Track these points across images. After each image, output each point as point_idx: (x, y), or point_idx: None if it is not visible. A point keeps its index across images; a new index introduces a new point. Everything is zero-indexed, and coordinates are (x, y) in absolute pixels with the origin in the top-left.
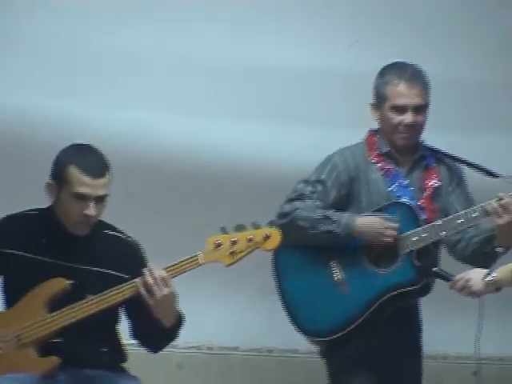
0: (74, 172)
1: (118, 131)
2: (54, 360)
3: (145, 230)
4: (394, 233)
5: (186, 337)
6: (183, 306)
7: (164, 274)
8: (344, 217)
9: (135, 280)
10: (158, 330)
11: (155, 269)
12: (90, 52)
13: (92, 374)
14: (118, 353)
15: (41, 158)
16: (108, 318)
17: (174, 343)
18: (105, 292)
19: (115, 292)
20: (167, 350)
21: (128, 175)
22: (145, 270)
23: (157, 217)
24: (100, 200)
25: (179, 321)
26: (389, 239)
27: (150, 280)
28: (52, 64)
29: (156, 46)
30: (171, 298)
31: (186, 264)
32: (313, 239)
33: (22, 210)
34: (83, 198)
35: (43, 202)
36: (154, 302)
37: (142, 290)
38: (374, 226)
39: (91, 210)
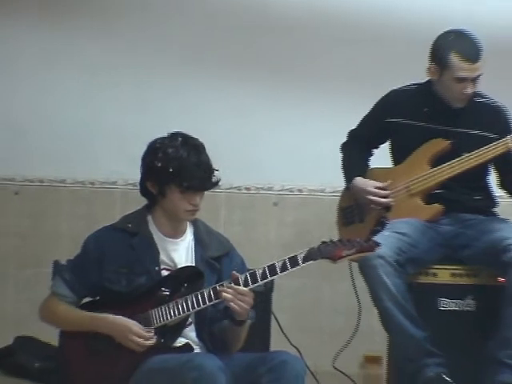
0: (455, 59)
1: None
2: (438, 207)
3: None
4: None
5: None
6: None
7: None
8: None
9: (506, 138)
10: None
11: None
12: None
13: (468, 217)
14: (489, 199)
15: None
16: (480, 171)
17: None
18: (479, 150)
19: (487, 149)
20: None
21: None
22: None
23: None
24: (476, 79)
25: None
26: None
27: None
28: None
29: None
30: None
31: None
32: None
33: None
34: (463, 81)
35: None
36: None
37: None
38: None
39: (469, 89)
